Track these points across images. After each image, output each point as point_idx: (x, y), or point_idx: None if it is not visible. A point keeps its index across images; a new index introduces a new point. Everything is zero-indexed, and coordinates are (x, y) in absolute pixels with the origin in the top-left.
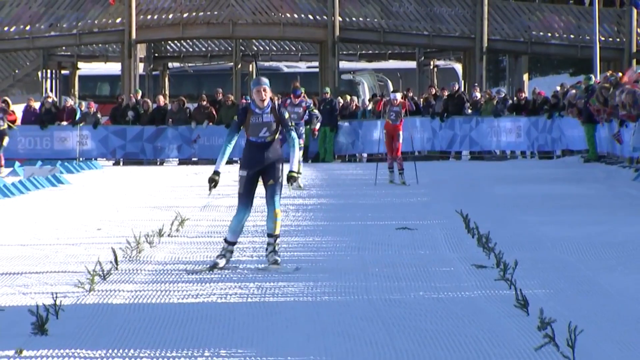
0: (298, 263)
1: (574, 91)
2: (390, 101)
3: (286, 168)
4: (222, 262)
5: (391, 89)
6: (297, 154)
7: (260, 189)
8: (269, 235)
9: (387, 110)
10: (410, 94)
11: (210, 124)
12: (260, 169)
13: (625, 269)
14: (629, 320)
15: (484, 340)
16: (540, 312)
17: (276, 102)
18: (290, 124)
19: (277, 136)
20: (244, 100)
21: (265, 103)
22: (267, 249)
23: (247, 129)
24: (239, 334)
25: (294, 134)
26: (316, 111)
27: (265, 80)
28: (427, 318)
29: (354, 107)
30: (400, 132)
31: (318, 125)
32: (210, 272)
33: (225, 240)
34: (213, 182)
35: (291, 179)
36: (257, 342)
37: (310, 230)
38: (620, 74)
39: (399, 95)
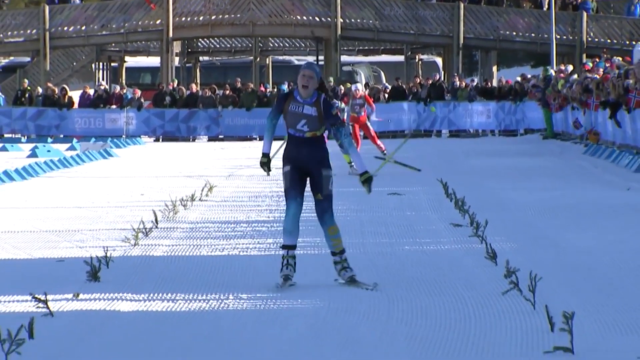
0: (306, 223)
1: (534, 80)
2: (352, 93)
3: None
4: (291, 273)
5: (384, 78)
6: (357, 152)
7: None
8: (333, 254)
9: (350, 103)
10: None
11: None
12: (303, 167)
13: (578, 228)
14: (580, 270)
15: (459, 286)
16: (506, 263)
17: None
18: (339, 123)
19: (320, 134)
20: (263, 88)
21: (308, 92)
22: (336, 268)
23: (285, 117)
24: (257, 281)
25: (344, 131)
26: (336, 101)
27: (314, 66)
28: (413, 268)
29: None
30: (367, 122)
31: (345, 116)
32: (287, 285)
33: (283, 246)
34: (264, 165)
35: (366, 182)
36: (272, 287)
37: None
38: (571, 67)
39: (360, 87)
